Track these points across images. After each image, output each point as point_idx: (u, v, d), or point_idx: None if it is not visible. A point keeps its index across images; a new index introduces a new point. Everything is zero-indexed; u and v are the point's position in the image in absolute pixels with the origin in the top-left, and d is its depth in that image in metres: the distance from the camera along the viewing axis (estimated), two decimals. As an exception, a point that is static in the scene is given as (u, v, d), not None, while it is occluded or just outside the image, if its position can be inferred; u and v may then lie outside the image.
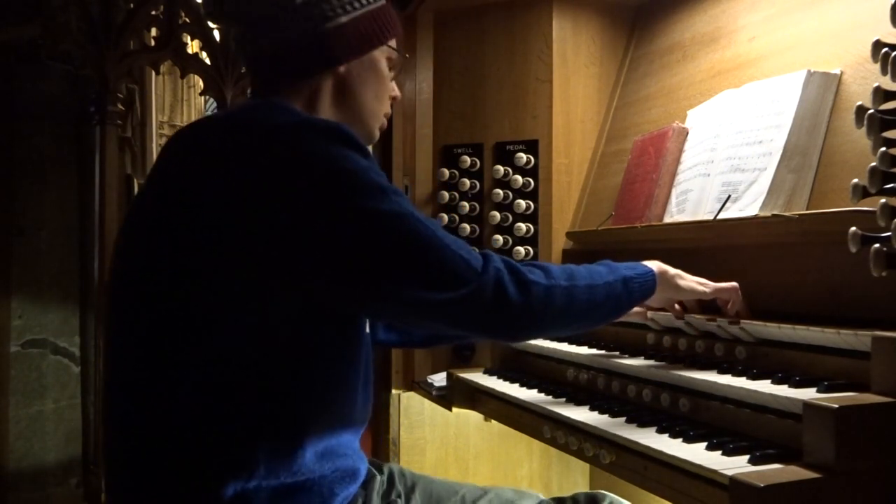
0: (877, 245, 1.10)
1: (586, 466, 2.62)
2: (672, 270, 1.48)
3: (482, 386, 1.91)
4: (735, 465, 1.13)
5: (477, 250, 1.21)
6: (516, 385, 1.84)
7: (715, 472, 1.12)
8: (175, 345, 1.13)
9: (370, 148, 1.30)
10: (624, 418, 1.46)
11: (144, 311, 1.16)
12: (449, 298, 1.13)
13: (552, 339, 1.94)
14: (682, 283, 1.48)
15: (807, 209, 1.49)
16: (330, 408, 1.20)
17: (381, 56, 1.38)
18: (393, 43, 1.40)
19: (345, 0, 1.31)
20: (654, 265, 1.46)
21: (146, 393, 1.15)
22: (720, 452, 1.20)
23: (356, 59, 1.34)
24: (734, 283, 1.50)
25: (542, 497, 1.54)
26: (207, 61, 3.32)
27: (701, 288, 1.50)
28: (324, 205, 1.11)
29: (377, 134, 1.43)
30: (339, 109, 1.35)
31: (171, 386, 1.13)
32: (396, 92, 1.45)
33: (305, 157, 1.12)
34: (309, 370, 1.16)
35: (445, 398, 2.11)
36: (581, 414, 1.54)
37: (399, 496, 1.46)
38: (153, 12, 3.26)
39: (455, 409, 2.14)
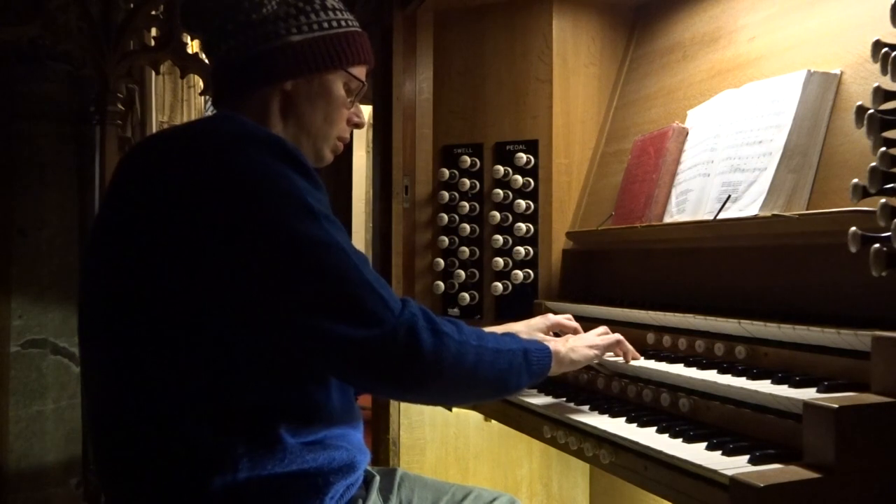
0: (877, 245, 1.10)
1: (586, 466, 2.62)
2: (563, 348, 1.49)
3: (482, 386, 1.91)
4: (735, 465, 1.13)
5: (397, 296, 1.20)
6: (516, 385, 1.83)
7: (715, 472, 1.12)
8: (146, 346, 1.15)
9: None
10: (624, 418, 1.46)
11: (116, 317, 1.18)
12: (361, 337, 1.12)
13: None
14: (575, 356, 1.51)
15: (807, 209, 1.49)
16: (302, 400, 1.21)
17: (337, 80, 1.40)
18: (355, 70, 1.41)
19: (302, 21, 1.35)
20: (550, 344, 1.47)
21: (123, 393, 1.18)
22: (720, 452, 1.20)
23: (303, 79, 1.36)
24: (618, 336, 1.60)
25: (515, 499, 1.58)
26: (207, 61, 3.32)
27: (594, 352, 1.55)
28: (247, 218, 1.12)
29: (328, 156, 1.45)
30: (287, 126, 1.38)
31: (147, 385, 1.15)
32: (359, 119, 1.47)
33: (238, 168, 1.14)
34: (271, 366, 1.17)
35: (445, 398, 2.11)
36: (581, 414, 1.54)
37: (400, 498, 1.48)
38: (153, 12, 3.26)
39: (455, 409, 2.14)
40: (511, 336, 1.40)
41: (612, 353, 1.62)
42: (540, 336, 1.61)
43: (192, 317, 1.13)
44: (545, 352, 1.42)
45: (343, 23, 1.40)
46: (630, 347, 1.60)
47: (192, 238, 1.13)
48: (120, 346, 1.17)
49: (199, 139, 1.20)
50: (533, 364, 1.38)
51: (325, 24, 1.37)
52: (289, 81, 1.35)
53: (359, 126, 1.48)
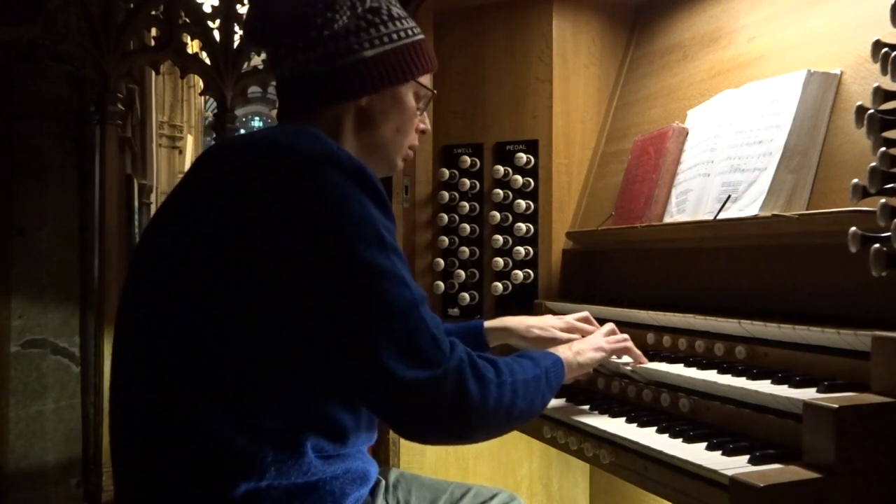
0: (877, 245, 1.10)
1: (586, 466, 2.62)
2: (570, 353, 1.49)
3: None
4: (735, 465, 1.13)
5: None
6: (516, 385, 1.83)
7: (715, 472, 1.12)
8: (184, 350, 1.14)
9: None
10: (624, 418, 1.46)
11: (158, 318, 1.17)
12: (409, 377, 1.10)
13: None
14: (581, 359, 1.51)
15: (807, 209, 1.49)
16: (334, 421, 1.20)
17: (408, 90, 1.40)
18: (423, 79, 1.42)
19: (373, 35, 1.34)
20: (560, 353, 1.46)
21: (156, 395, 1.16)
22: (720, 452, 1.20)
23: (377, 94, 1.36)
24: (626, 339, 1.59)
25: (515, 495, 1.58)
26: (207, 61, 3.33)
27: (600, 354, 1.55)
28: (317, 238, 1.11)
29: (400, 164, 1.46)
30: (360, 139, 1.37)
31: (190, 388, 1.14)
32: (426, 125, 1.48)
33: (317, 189, 1.13)
34: (313, 384, 1.17)
35: (445, 398, 2.11)
36: (581, 414, 1.54)
37: (397, 497, 1.49)
38: (153, 12, 3.26)
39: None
40: (530, 359, 1.38)
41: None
42: (551, 333, 1.63)
43: (245, 327, 1.12)
44: (559, 364, 1.42)
45: (410, 32, 1.39)
46: (639, 352, 1.59)
47: (257, 250, 1.11)
48: (165, 346, 1.16)
49: (282, 155, 1.17)
50: (552, 381, 1.38)
51: (395, 36, 1.36)
52: (364, 98, 1.35)
53: (424, 132, 1.49)
